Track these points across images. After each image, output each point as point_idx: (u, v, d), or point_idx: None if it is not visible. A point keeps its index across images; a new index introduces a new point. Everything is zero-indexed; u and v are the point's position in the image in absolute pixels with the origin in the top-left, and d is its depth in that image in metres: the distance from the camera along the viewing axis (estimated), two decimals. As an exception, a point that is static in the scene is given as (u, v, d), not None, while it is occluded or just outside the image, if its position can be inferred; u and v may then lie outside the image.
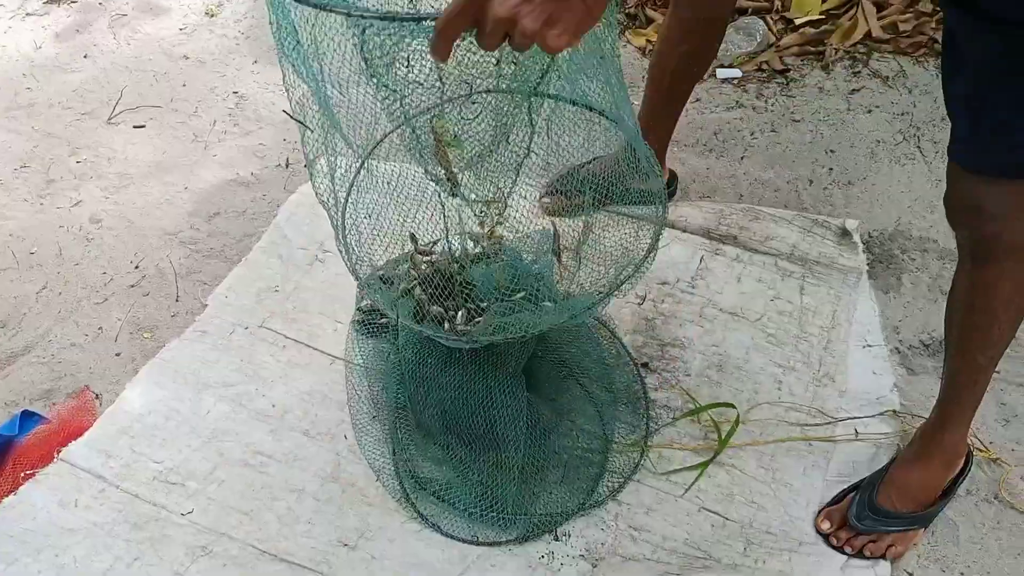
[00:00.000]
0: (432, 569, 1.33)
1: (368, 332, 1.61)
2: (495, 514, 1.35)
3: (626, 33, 2.27)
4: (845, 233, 1.74)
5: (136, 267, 1.83)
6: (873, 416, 1.48)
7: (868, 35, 2.13)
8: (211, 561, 1.34)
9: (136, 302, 1.76)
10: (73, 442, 1.49)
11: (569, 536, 1.36)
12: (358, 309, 1.66)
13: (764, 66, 2.10)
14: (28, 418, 1.53)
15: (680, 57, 1.57)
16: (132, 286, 1.79)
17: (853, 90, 2.06)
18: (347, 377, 1.57)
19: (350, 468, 1.46)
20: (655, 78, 1.64)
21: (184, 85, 2.30)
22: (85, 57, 2.41)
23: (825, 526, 1.35)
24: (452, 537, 1.36)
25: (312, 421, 1.53)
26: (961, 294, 1.20)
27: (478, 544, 1.35)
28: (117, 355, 1.67)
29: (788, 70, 2.10)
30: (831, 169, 1.90)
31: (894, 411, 1.48)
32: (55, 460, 1.46)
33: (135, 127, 2.18)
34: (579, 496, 1.39)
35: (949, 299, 1.23)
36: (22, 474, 1.43)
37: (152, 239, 1.89)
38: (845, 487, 1.40)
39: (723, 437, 1.44)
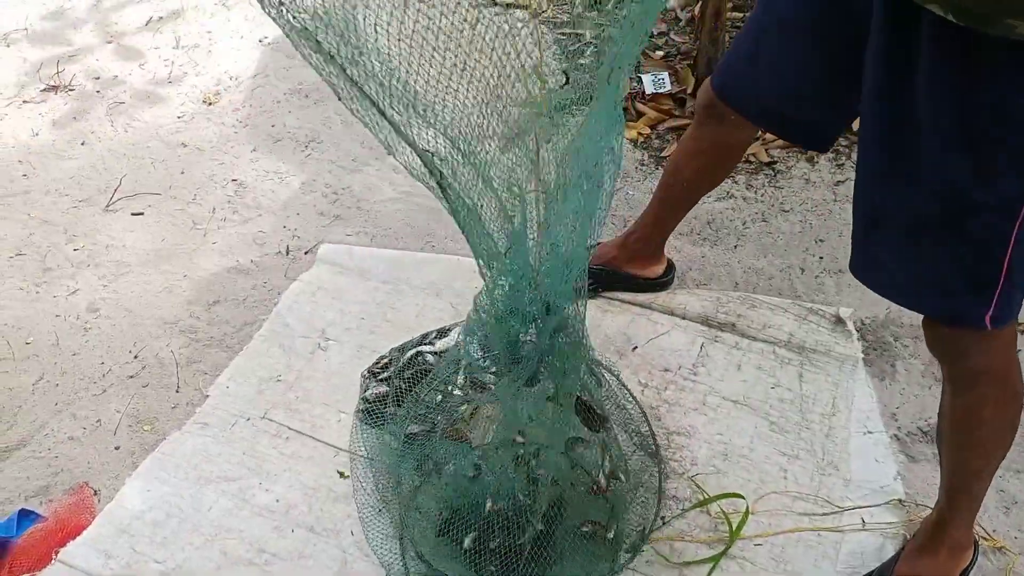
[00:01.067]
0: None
1: (372, 422, 1.61)
2: (510, 613, 1.33)
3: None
4: (839, 321, 1.79)
5: (135, 357, 1.82)
6: (879, 505, 1.50)
7: (849, 128, 2.23)
8: (218, 669, 1.29)
9: (135, 393, 1.74)
10: (71, 542, 1.45)
11: (586, 634, 1.34)
12: (362, 399, 1.66)
13: (752, 158, 2.19)
14: (25, 517, 1.49)
15: (695, 170, 1.63)
16: (131, 377, 1.77)
17: (838, 182, 2.15)
18: (352, 469, 1.56)
19: (357, 565, 1.44)
20: (668, 182, 1.69)
21: (182, 172, 2.33)
22: (82, 144, 2.43)
23: (839, 619, 1.35)
24: (465, 638, 1.34)
25: (317, 516, 1.51)
26: (947, 414, 1.25)
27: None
28: (116, 449, 1.64)
29: (775, 162, 2.19)
30: (821, 258, 1.96)
31: (899, 500, 1.50)
32: (53, 561, 1.42)
33: (133, 214, 2.19)
34: (593, 592, 1.37)
35: (939, 414, 1.28)
36: (19, 578, 1.39)
37: (151, 328, 1.88)
38: (856, 579, 1.40)
39: (734, 529, 1.45)
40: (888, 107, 1.04)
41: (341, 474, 1.54)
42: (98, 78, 2.70)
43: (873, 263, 1.14)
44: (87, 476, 1.58)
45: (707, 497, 1.50)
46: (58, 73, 2.68)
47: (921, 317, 1.16)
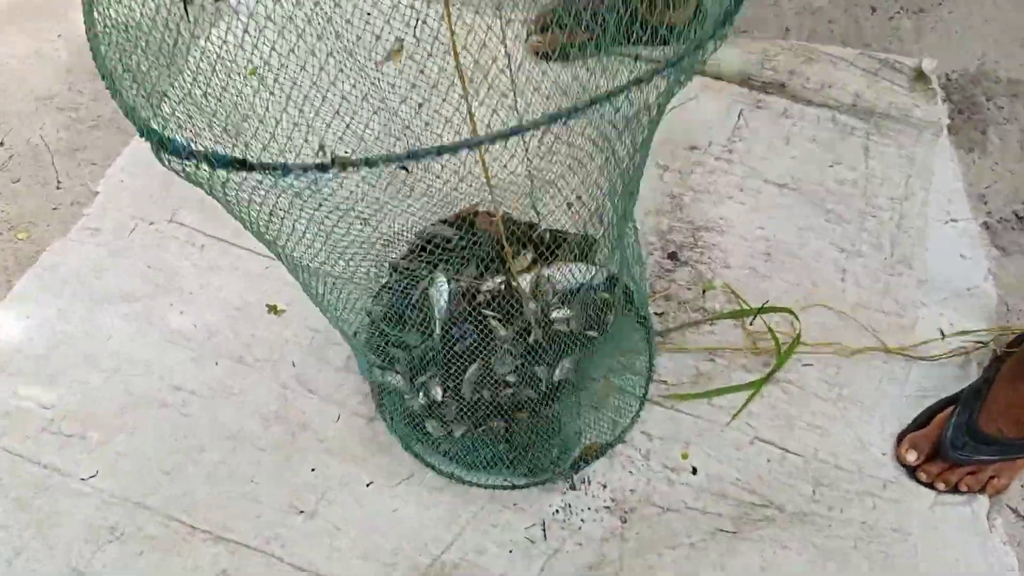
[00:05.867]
0: (415, 538, 1.03)
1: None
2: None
3: None
4: (921, 76, 1.37)
5: (0, 143, 1.39)
6: (963, 312, 1.17)
7: None
8: (122, 548, 1.02)
9: (4, 191, 1.34)
10: (-71, 386, 1.13)
11: (589, 483, 1.06)
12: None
13: None
14: None
15: None
16: (-4, 170, 1.37)
17: None
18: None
19: (300, 403, 1.13)
20: None
21: None
22: None
23: (911, 457, 1.07)
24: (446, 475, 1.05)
25: (246, 343, 1.18)
26: None
27: (472, 486, 1.05)
28: (-18, 264, 1.27)
29: None
30: (897, -8, 1.50)
31: (990, 305, 1.18)
32: (-99, 413, 1.10)
33: (-13, -46, 1.66)
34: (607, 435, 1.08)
35: None
36: None
37: (19, 105, 1.44)
38: (931, 405, 1.11)
39: (780, 348, 1.13)
40: None
41: (272, 308, 1.19)
42: None
43: None
44: (-55, 300, 1.23)
45: (746, 308, 1.17)
46: None
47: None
